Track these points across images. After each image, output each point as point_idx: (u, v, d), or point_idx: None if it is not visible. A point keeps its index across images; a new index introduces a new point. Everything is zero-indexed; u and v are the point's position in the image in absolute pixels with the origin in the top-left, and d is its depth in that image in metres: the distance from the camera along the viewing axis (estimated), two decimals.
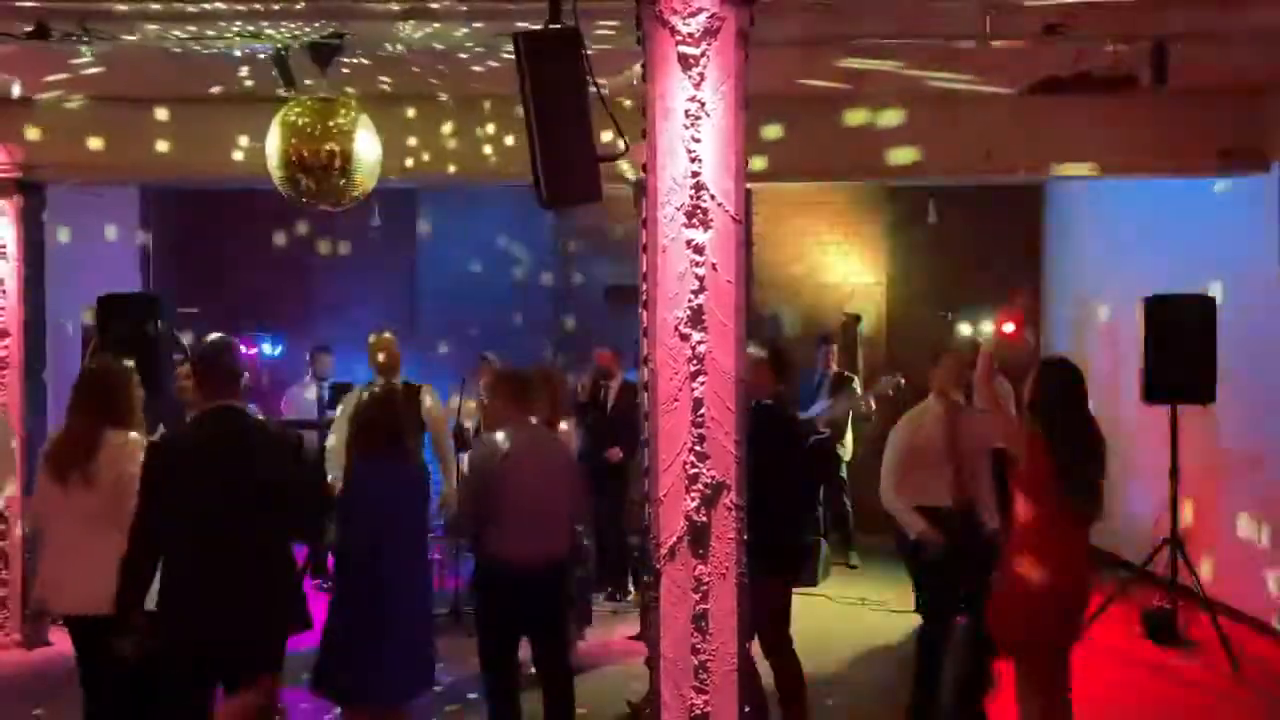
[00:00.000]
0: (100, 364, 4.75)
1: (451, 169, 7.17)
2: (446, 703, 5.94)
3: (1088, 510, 4.48)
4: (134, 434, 4.40)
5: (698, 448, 3.49)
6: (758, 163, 6.79)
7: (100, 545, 4.11)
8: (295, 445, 4.31)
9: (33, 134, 7.02)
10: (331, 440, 7.08)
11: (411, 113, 7.02)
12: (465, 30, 5.52)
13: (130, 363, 4.63)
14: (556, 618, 5.06)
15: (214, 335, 4.58)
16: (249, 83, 6.47)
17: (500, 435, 4.97)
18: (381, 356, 7.12)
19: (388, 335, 7.28)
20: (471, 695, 6.03)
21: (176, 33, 5.47)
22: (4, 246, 7.13)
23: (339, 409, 7.42)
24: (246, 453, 4.02)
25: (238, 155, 6.96)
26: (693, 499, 3.49)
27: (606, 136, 3.86)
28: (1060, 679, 4.57)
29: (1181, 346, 6.79)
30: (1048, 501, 4.44)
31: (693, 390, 3.49)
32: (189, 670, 3.97)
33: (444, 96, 7.00)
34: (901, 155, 7.05)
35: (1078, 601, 4.55)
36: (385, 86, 6.65)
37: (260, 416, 4.66)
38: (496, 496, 4.82)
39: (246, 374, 4.36)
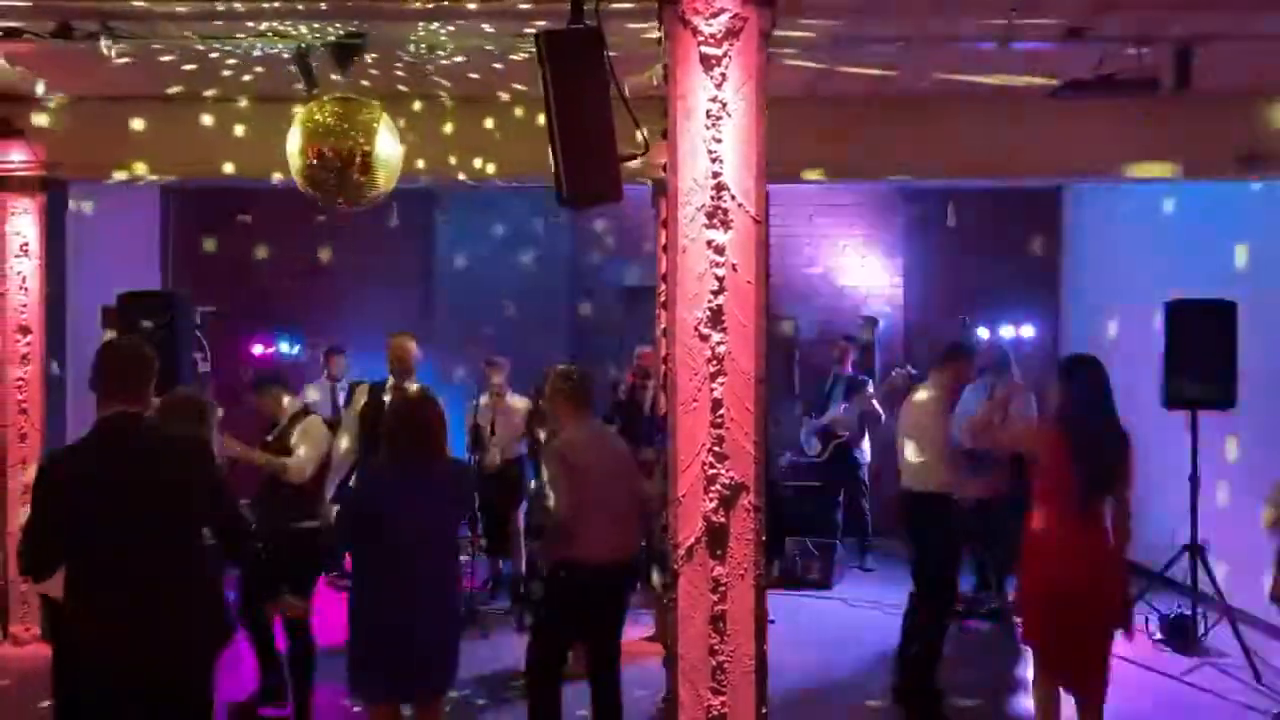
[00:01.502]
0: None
1: (470, 169, 7.17)
2: (460, 701, 5.95)
3: (1103, 507, 4.52)
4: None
5: (717, 448, 3.48)
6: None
7: None
8: (206, 454, 3.85)
9: (55, 132, 7.06)
10: (344, 442, 7.06)
11: (430, 113, 7.03)
12: (485, 30, 5.53)
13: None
14: (620, 619, 4.99)
15: (122, 337, 4.22)
16: (270, 82, 6.49)
17: (569, 436, 4.93)
18: (391, 358, 7.07)
19: (398, 338, 7.18)
20: (481, 702, 6.05)
21: (199, 32, 5.50)
22: (26, 244, 7.17)
23: (345, 408, 7.40)
24: (145, 462, 3.57)
25: (259, 154, 6.99)
26: (711, 500, 3.49)
27: (626, 137, 3.85)
28: (1086, 681, 4.57)
29: (1202, 352, 6.75)
30: (1070, 501, 4.45)
31: (712, 391, 3.48)
32: (108, 705, 3.56)
33: (463, 97, 7.01)
34: (920, 156, 7.03)
35: (1098, 601, 4.54)
36: (404, 86, 6.67)
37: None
38: (572, 491, 4.77)
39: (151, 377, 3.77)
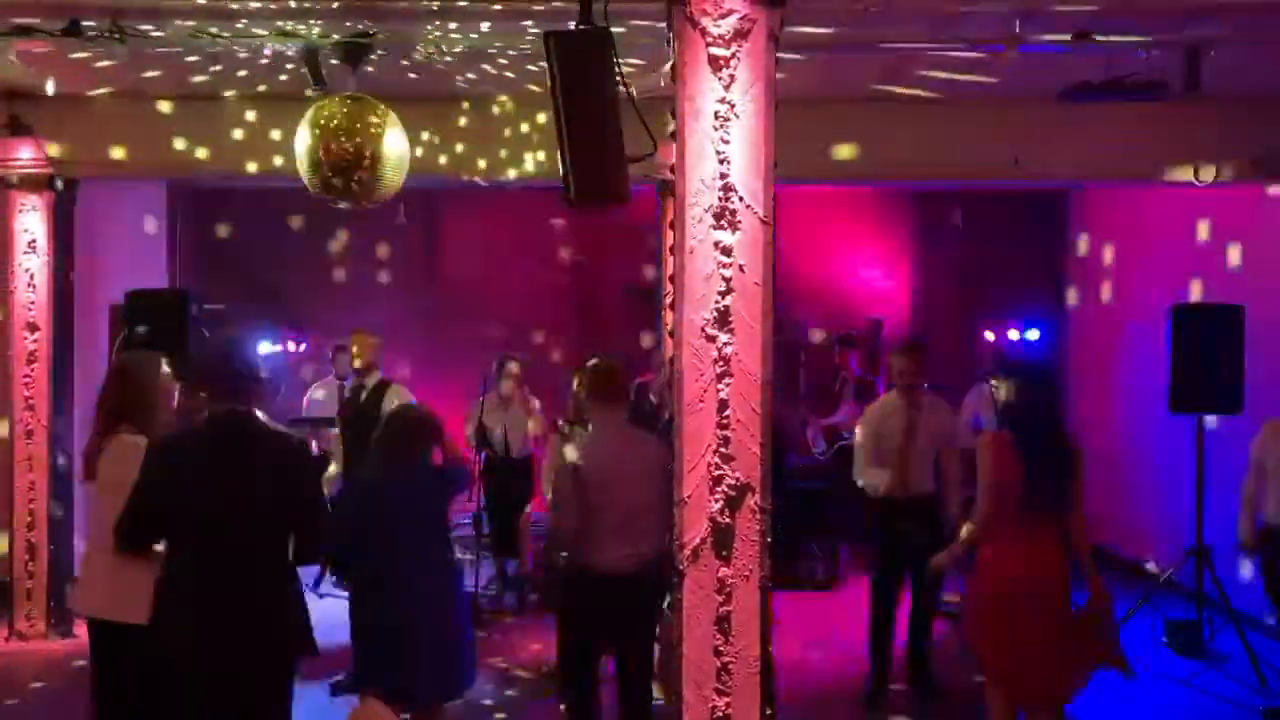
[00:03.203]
0: (122, 360, 4.63)
1: (477, 169, 7.18)
2: (468, 700, 5.95)
3: (1054, 513, 4.47)
4: (141, 438, 4.13)
5: (723, 449, 3.48)
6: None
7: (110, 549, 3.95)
8: (309, 457, 3.97)
9: (64, 130, 7.08)
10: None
11: (438, 113, 7.04)
12: (494, 30, 5.53)
13: (161, 356, 4.44)
14: (643, 625, 4.74)
15: (227, 333, 4.30)
16: (279, 80, 6.51)
17: (580, 438, 4.87)
18: (354, 355, 7.31)
19: (357, 334, 7.40)
20: (486, 701, 6.06)
21: (209, 30, 5.51)
22: (34, 241, 7.20)
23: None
24: (255, 462, 3.70)
25: (266, 153, 7.01)
26: (717, 501, 3.49)
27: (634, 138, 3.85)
28: (1046, 691, 4.51)
29: (1209, 356, 6.73)
30: (1015, 506, 4.42)
31: (718, 392, 3.48)
32: (185, 695, 3.63)
33: (470, 96, 7.02)
34: (927, 158, 7.02)
35: (1046, 602, 4.47)
36: (411, 86, 6.67)
37: (272, 424, 3.99)
38: (581, 500, 4.57)
39: (263, 376, 3.93)
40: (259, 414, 3.83)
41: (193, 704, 3.62)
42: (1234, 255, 7.62)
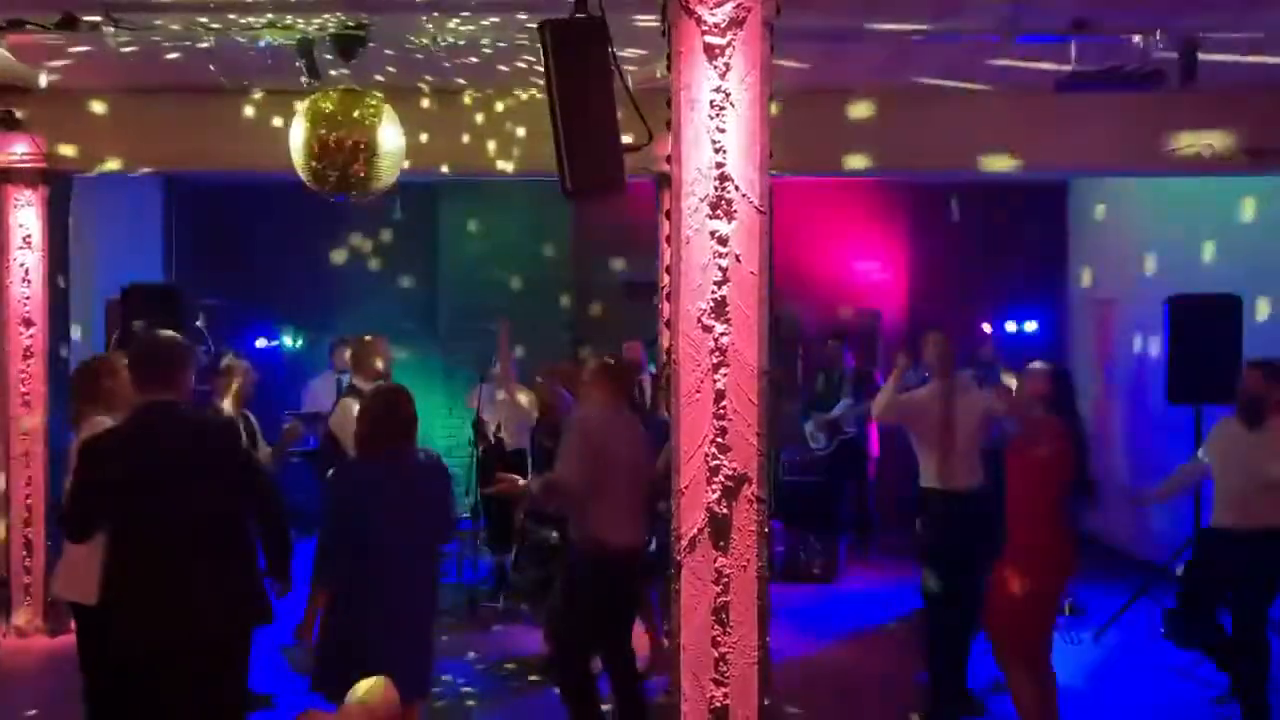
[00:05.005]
0: (88, 358, 4.84)
1: (474, 161, 7.16)
2: (462, 695, 5.95)
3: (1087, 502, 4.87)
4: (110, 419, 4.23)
5: (719, 440, 3.47)
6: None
7: None
8: (234, 431, 4.16)
9: (58, 124, 7.06)
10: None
11: (433, 105, 7.02)
12: (489, 22, 5.52)
13: (120, 356, 4.55)
14: (635, 609, 5.09)
15: (154, 328, 4.41)
16: (274, 73, 6.48)
17: (592, 413, 5.07)
18: (379, 363, 6.72)
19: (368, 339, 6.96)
20: (467, 689, 6.05)
21: (203, 22, 5.49)
22: (29, 236, 7.18)
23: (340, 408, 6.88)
24: (178, 446, 3.81)
25: (262, 146, 6.98)
26: (714, 491, 3.48)
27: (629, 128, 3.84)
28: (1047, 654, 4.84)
29: (1206, 347, 6.73)
30: (1065, 494, 4.64)
31: (715, 382, 3.48)
32: (149, 673, 3.73)
33: (466, 89, 7.01)
34: (925, 149, 7.01)
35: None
36: (407, 79, 6.65)
37: (191, 409, 4.11)
38: (597, 480, 4.85)
39: (188, 366, 4.00)
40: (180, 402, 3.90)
41: (150, 682, 3.72)
42: (1231, 246, 7.63)
